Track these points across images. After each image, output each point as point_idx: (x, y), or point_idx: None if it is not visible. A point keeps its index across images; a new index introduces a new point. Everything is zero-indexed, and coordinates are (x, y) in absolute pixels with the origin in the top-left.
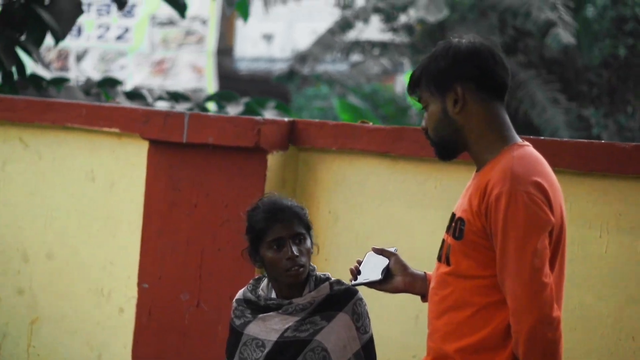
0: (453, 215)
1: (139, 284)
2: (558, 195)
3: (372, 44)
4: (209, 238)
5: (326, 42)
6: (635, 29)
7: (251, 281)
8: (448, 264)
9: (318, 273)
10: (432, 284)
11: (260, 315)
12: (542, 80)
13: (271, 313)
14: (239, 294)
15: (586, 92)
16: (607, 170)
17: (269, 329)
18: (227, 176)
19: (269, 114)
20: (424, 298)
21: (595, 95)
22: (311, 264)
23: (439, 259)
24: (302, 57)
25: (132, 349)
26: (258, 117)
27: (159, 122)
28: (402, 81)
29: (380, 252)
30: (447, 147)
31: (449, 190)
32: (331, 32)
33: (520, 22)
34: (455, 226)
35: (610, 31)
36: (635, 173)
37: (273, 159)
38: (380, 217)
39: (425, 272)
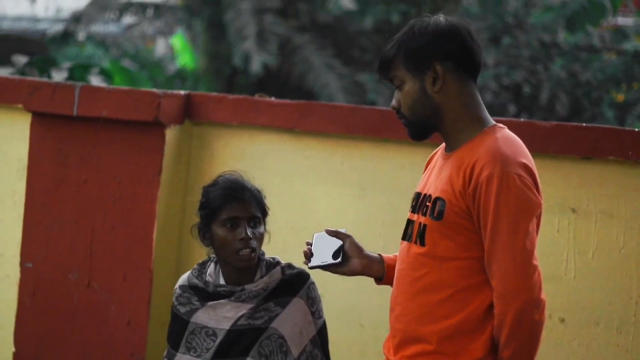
0: (419, 195)
1: (22, 263)
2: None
3: (145, 6)
4: (100, 215)
5: (101, 3)
6: None
7: (195, 266)
8: (422, 244)
9: (267, 257)
10: (400, 265)
11: (210, 303)
12: (316, 45)
13: (222, 300)
14: (183, 279)
15: (359, 58)
16: None
17: (220, 317)
18: (120, 151)
19: (95, 79)
20: (379, 280)
21: (369, 60)
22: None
23: (408, 239)
24: (76, 18)
25: (14, 330)
26: (157, 90)
27: (46, 94)
28: (164, 44)
29: (335, 234)
30: (423, 127)
31: (355, 167)
32: None
33: None
34: (433, 206)
35: None
36: None
37: (170, 134)
38: (283, 194)
39: (380, 255)
